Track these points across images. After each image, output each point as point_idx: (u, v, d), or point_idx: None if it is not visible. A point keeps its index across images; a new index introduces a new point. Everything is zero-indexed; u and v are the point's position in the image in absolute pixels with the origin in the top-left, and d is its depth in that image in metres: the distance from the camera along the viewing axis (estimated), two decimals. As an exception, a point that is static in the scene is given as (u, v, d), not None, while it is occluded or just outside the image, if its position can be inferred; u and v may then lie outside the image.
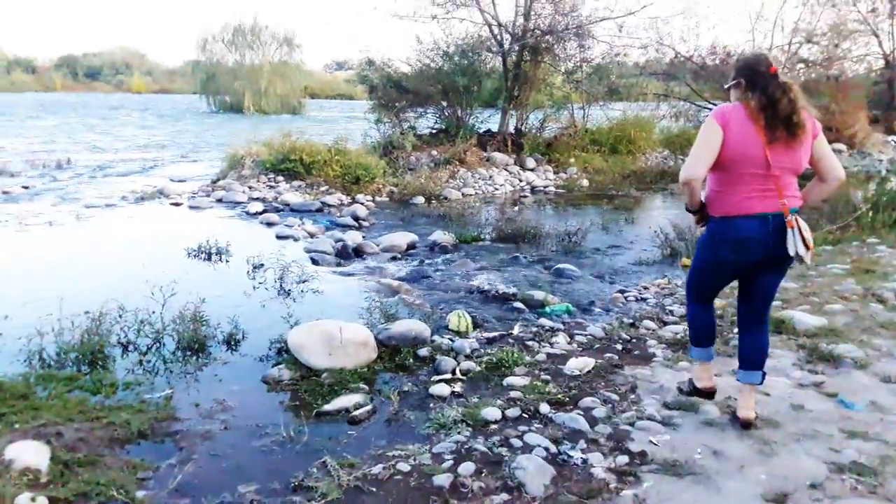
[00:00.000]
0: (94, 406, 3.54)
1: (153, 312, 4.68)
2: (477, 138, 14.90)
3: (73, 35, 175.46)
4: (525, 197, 13.01)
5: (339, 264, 7.02)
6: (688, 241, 8.02)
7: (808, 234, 2.95)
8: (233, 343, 4.61)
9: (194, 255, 7.00)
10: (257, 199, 10.80)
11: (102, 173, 14.17)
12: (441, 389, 3.85)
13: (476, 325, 5.07)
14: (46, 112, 38.35)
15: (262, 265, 6.47)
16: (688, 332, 3.67)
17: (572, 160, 15.60)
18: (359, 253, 7.55)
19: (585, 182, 14.35)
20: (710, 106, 20.60)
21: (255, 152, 12.41)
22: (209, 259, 6.95)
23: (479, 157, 14.50)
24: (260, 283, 6.10)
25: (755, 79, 2.98)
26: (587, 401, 3.71)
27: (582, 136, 16.35)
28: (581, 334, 4.96)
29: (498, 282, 6.45)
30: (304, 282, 6.06)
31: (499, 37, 15.01)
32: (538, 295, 5.80)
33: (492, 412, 3.52)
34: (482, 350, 4.52)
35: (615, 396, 3.79)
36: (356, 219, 9.44)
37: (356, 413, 3.53)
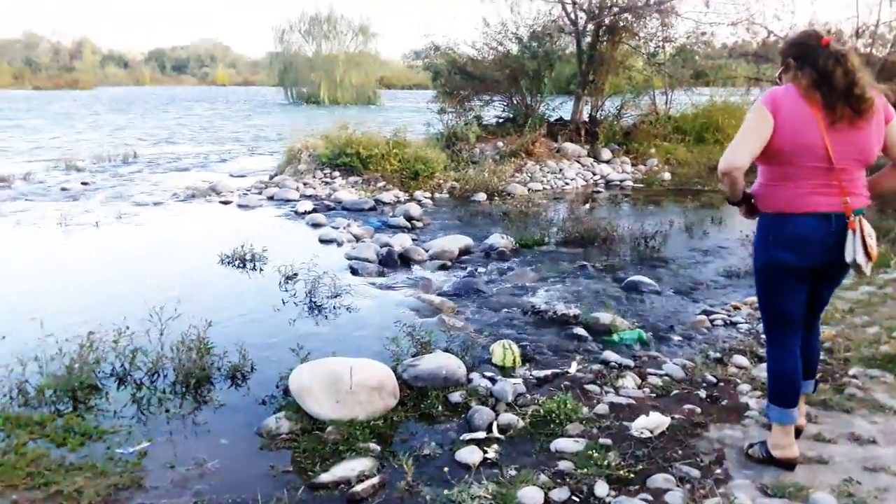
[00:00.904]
0: (50, 465, 2.94)
1: (160, 336, 4.09)
2: (547, 127, 13.91)
3: (161, 29, 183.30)
4: (598, 192, 11.97)
5: (381, 274, 6.31)
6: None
7: (871, 241, 2.56)
8: (238, 378, 3.96)
9: (227, 262, 6.45)
10: (310, 196, 10.25)
11: (164, 168, 14.02)
12: (470, 455, 3.06)
13: (526, 359, 4.24)
14: (129, 104, 39.62)
15: (296, 275, 5.84)
16: (773, 383, 2.89)
17: (653, 150, 14.38)
18: (405, 260, 6.82)
19: (667, 175, 13.13)
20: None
21: (312, 146, 11.88)
22: (243, 266, 6.39)
23: (549, 148, 13.52)
24: (289, 298, 5.46)
25: (805, 55, 2.59)
26: (658, 479, 2.84)
27: (664, 124, 15.04)
28: (655, 374, 4.06)
29: (558, 299, 5.59)
30: (336, 296, 5.38)
31: (572, 15, 13.92)
32: (604, 317, 4.91)
33: (531, 495, 2.71)
34: (529, 396, 3.69)
35: (696, 472, 2.90)
36: (409, 219, 8.72)
37: (358, 488, 2.79)
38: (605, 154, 13.96)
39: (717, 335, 4.89)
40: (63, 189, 10.92)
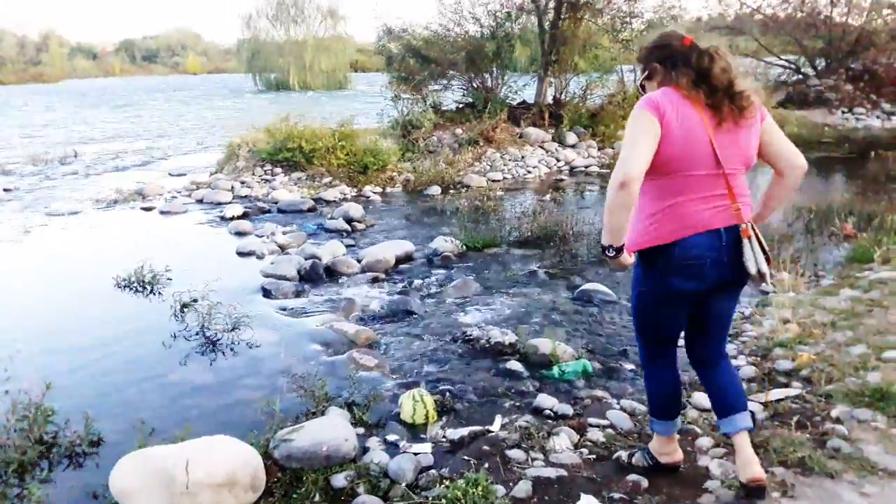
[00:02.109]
0: None
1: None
2: (508, 112, 13.09)
3: (132, 19, 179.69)
4: (562, 181, 11.20)
5: (298, 293, 5.50)
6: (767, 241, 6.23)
7: (766, 246, 2.40)
8: (76, 455, 3.16)
9: (122, 286, 5.61)
10: (245, 197, 9.42)
11: (101, 168, 13.06)
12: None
13: (444, 410, 3.48)
14: (88, 98, 38.21)
15: (195, 301, 5.01)
16: (656, 402, 2.76)
17: (620, 133, 13.61)
18: (332, 274, 6.02)
19: (635, 158, 12.37)
20: (782, 63, 18.07)
21: (252, 140, 10.98)
22: (139, 291, 5.55)
23: (511, 133, 12.73)
24: (180, 332, 4.64)
25: (672, 56, 2.39)
26: None
27: (632, 104, 14.26)
28: (597, 425, 3.31)
29: (497, 319, 4.84)
30: (233, 330, 4.58)
31: (531, -8, 13.04)
32: (544, 345, 4.15)
33: None
34: (436, 471, 2.92)
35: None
36: (349, 221, 7.90)
37: None
38: (571, 138, 13.18)
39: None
40: (-21, 197, 9.99)
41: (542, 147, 12.75)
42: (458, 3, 13.18)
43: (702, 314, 2.56)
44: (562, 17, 13.16)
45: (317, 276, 5.92)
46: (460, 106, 13.68)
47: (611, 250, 2.33)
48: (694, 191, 2.29)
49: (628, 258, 2.40)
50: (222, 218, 8.19)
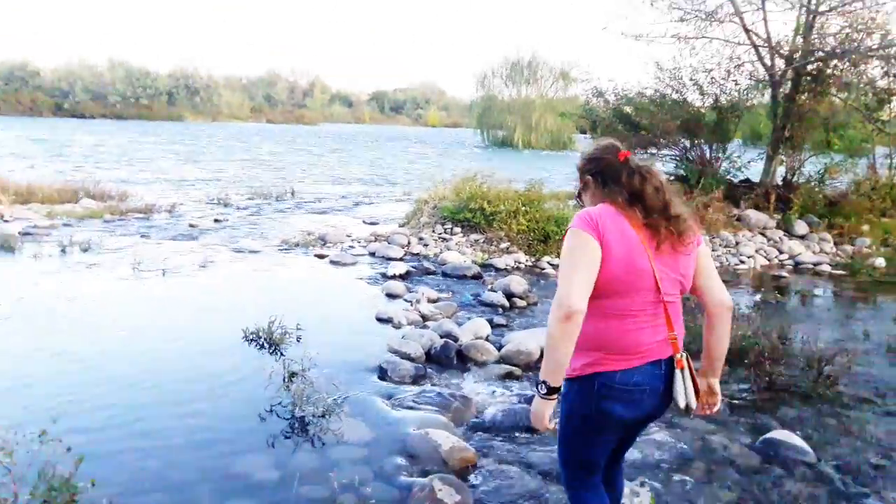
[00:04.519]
0: None
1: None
2: (726, 189, 11.57)
3: (386, 72, 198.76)
4: (782, 277, 9.45)
5: (416, 380, 4.82)
6: None
7: (696, 379, 2.23)
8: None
9: (250, 340, 5.37)
10: (416, 254, 9.12)
11: (306, 209, 13.78)
12: None
13: None
14: (333, 142, 42.07)
15: (305, 371, 4.57)
16: None
17: (865, 227, 11.42)
18: (463, 359, 5.30)
19: (881, 261, 10.18)
20: None
21: (439, 197, 10.77)
22: (262, 347, 5.28)
23: (726, 214, 11.18)
24: (272, 407, 4.19)
25: (605, 171, 2.24)
26: None
27: (884, 195, 11.96)
28: None
29: (638, 462, 3.76)
30: (324, 416, 4.03)
31: (766, 60, 11.49)
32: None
33: None
34: None
35: None
36: (509, 296, 7.15)
37: None
38: (800, 227, 11.27)
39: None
40: (190, 226, 10.85)
41: (762, 234, 11.04)
42: (677, 69, 12.05)
43: (623, 440, 2.42)
44: (800, 90, 11.43)
45: (447, 358, 5.24)
46: (670, 179, 12.42)
47: (542, 387, 2.05)
48: (637, 317, 2.12)
49: (549, 424, 2.10)
50: (384, 275, 7.89)
